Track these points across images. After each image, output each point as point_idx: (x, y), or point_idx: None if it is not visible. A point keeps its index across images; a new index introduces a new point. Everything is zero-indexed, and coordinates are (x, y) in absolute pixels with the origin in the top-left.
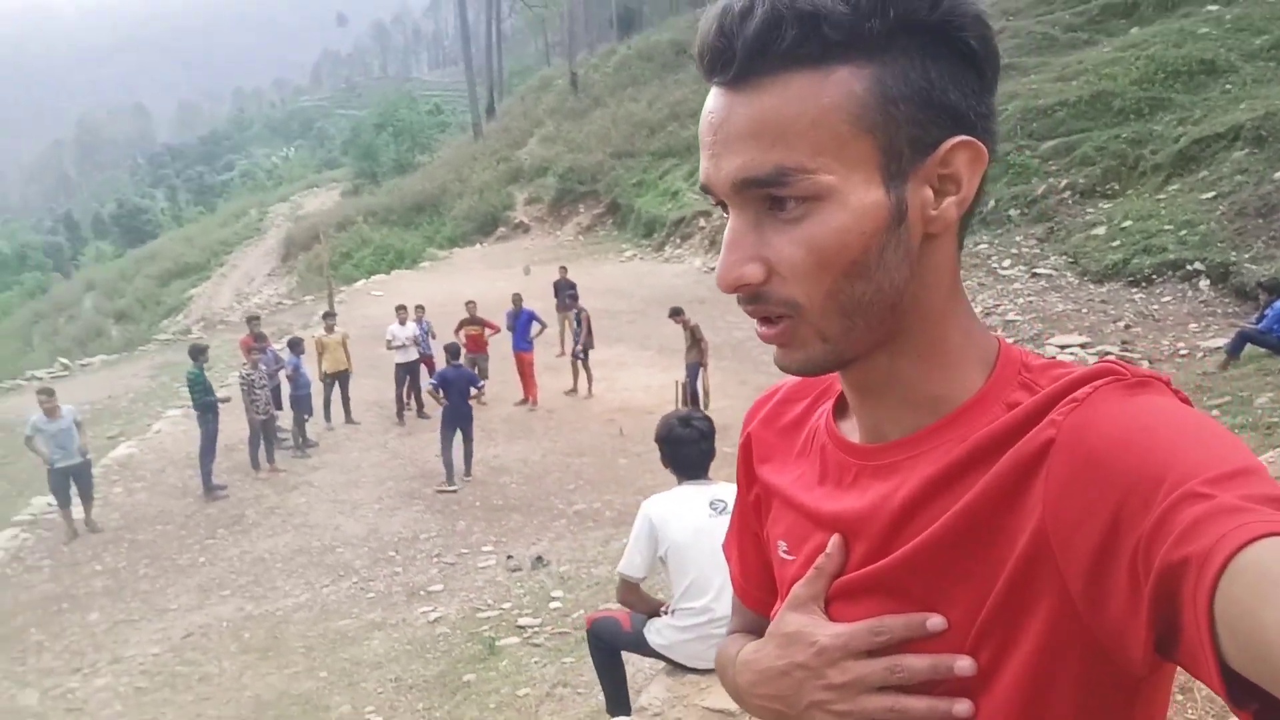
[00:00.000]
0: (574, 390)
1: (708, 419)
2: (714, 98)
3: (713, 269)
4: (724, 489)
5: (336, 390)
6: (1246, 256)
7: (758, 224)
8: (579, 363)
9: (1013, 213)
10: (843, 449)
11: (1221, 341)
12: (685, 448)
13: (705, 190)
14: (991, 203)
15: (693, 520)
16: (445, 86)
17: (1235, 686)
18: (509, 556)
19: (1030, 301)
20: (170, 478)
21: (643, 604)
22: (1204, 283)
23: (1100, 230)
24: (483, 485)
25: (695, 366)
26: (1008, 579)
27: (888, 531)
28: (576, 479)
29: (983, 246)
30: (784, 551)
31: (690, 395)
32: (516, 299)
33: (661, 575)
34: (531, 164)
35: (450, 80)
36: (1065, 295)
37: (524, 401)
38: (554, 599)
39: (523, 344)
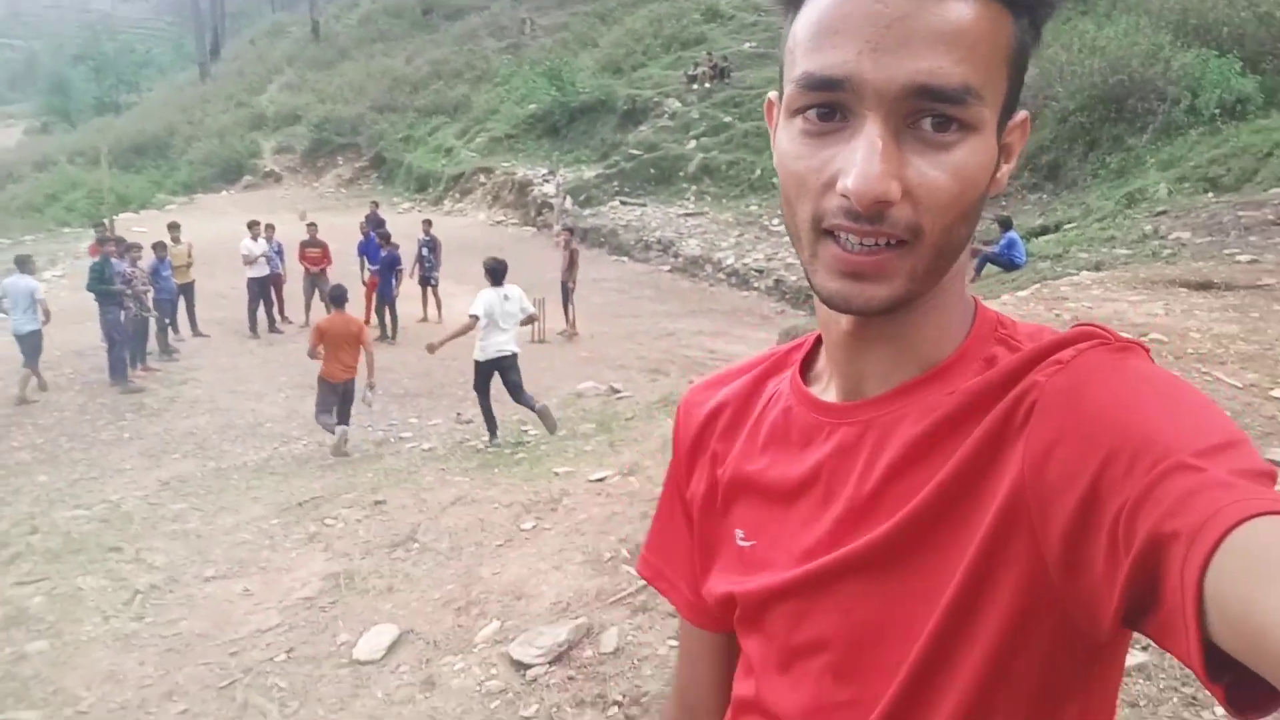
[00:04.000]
0: (424, 319)
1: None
2: None
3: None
4: (512, 289)
5: (182, 302)
6: None
7: (898, 138)
8: (430, 289)
9: (776, 180)
10: (816, 409)
11: None
12: (496, 272)
13: (830, 84)
14: (758, 171)
15: (496, 298)
16: (136, 23)
17: (1212, 661)
18: (458, 414)
19: None
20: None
21: (463, 330)
22: None
23: None
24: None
25: (566, 286)
26: (982, 543)
27: (871, 494)
28: (459, 374)
29: (754, 208)
30: (741, 539)
31: (565, 312)
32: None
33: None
34: (277, 112)
35: (141, 16)
36: None
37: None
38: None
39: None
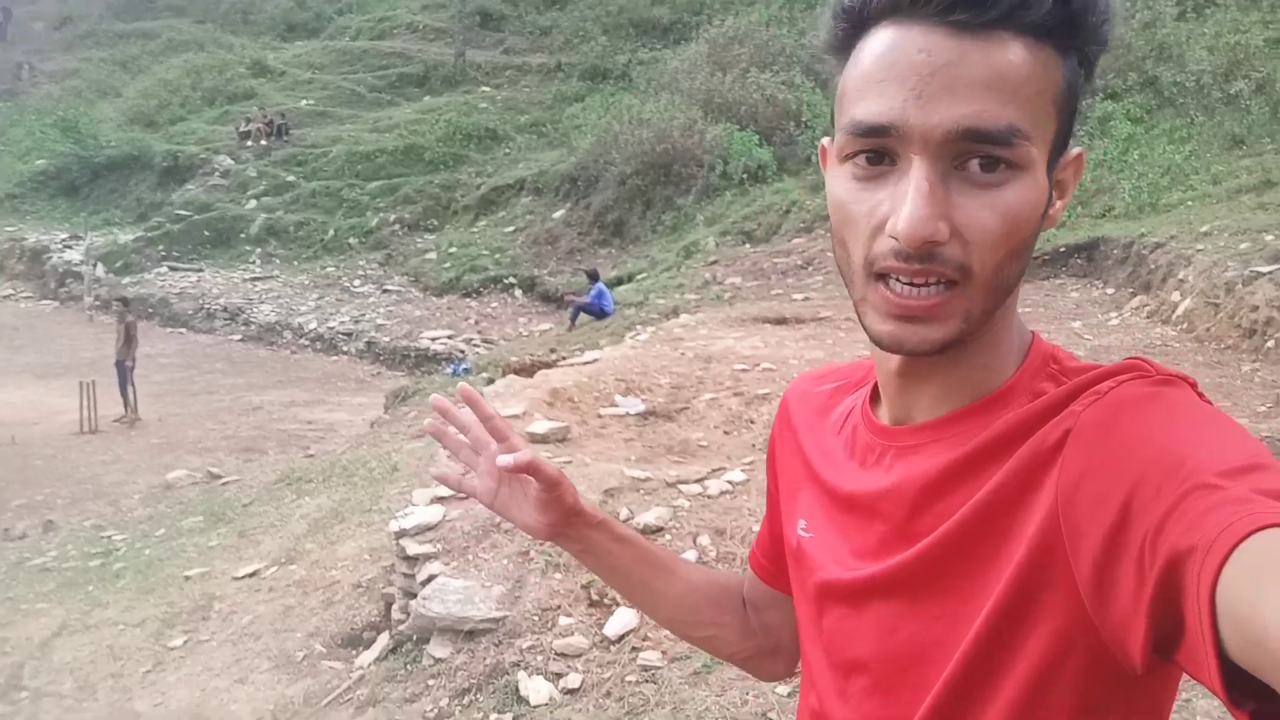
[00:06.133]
0: None
1: None
2: (931, 37)
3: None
4: None
5: None
6: (545, 272)
7: (946, 181)
8: None
9: (353, 241)
10: (873, 430)
11: (546, 326)
12: None
13: (878, 131)
14: (331, 232)
15: None
16: None
17: (1234, 684)
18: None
19: (391, 310)
20: None
21: None
22: (518, 291)
23: (432, 255)
24: None
25: (124, 365)
26: (1018, 570)
27: (908, 514)
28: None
29: (330, 269)
30: (803, 529)
31: (124, 395)
32: None
33: None
34: None
35: None
36: (418, 305)
37: None
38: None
39: None
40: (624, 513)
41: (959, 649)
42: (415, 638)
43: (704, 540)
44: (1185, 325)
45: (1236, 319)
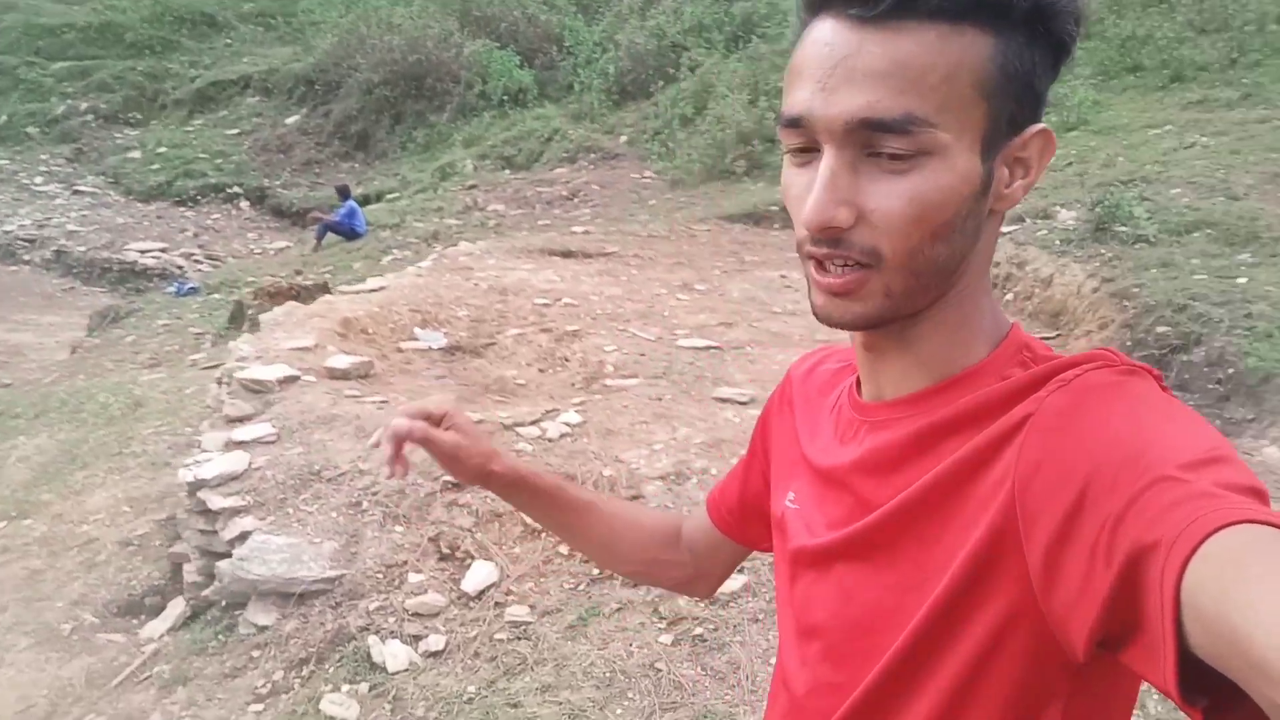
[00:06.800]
0: None
1: None
2: (836, 30)
3: None
4: None
5: None
6: (278, 183)
7: (855, 168)
8: None
9: (32, 130)
10: (854, 406)
11: (282, 243)
12: None
13: (792, 123)
14: (4, 117)
15: None
16: None
17: (1187, 681)
18: None
19: (86, 215)
20: None
21: None
22: (245, 203)
23: (136, 154)
24: None
25: None
26: (972, 547)
27: (872, 485)
28: None
29: (4, 163)
30: (790, 501)
31: None
32: None
33: None
34: None
35: None
36: (119, 211)
37: None
38: None
39: None
40: None
41: (910, 621)
42: (225, 603)
43: None
44: None
45: None
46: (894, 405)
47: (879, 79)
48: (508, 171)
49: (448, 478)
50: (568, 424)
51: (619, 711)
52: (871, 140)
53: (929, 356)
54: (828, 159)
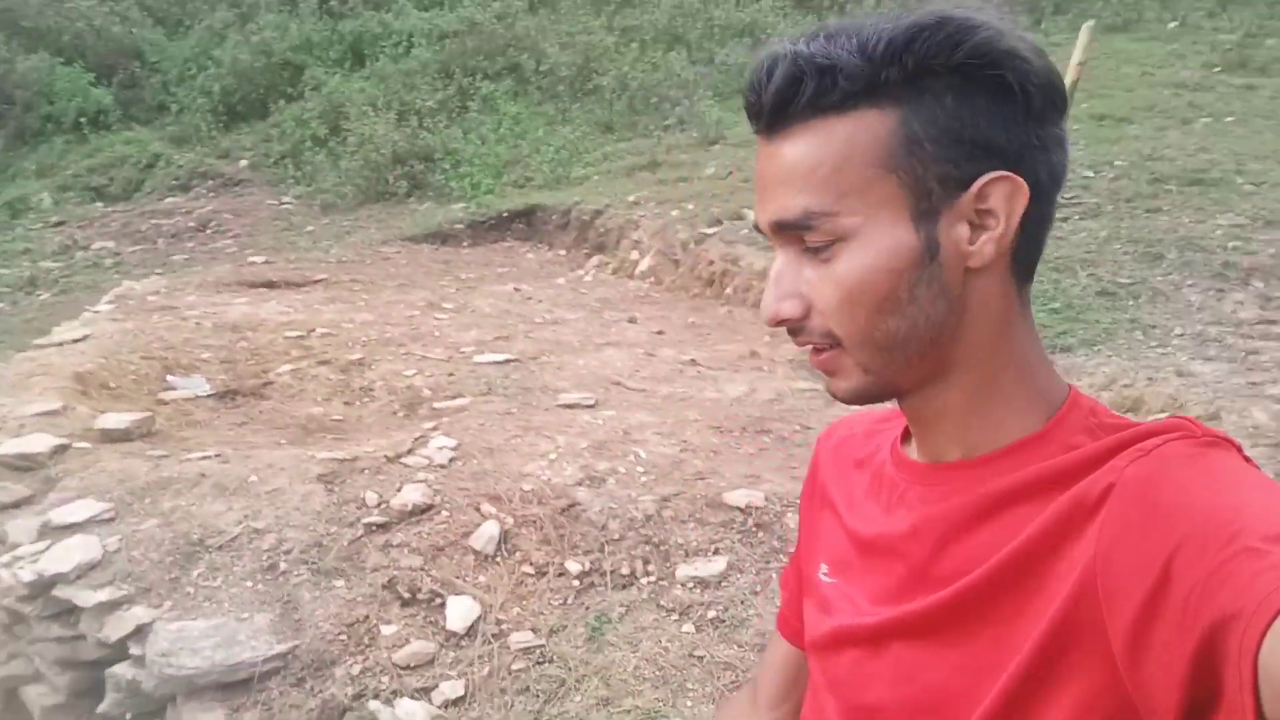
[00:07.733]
0: None
1: None
2: (760, 148)
3: None
4: None
5: None
6: None
7: (798, 262)
8: None
9: None
10: (900, 466)
11: None
12: None
13: (757, 229)
14: None
15: None
16: None
17: None
18: None
19: None
20: None
21: None
22: None
23: None
24: None
25: None
26: (1050, 625)
27: (930, 553)
28: None
29: None
30: (824, 574)
31: None
32: None
33: None
34: None
35: None
36: None
37: None
38: None
39: None
40: (372, 497)
41: (982, 702)
42: (129, 716)
43: (488, 508)
44: (652, 279)
45: (696, 271)
46: (952, 468)
47: (780, 184)
48: (100, 204)
49: (368, 519)
50: (447, 448)
51: (688, 704)
52: (795, 238)
53: (965, 423)
54: (777, 259)
